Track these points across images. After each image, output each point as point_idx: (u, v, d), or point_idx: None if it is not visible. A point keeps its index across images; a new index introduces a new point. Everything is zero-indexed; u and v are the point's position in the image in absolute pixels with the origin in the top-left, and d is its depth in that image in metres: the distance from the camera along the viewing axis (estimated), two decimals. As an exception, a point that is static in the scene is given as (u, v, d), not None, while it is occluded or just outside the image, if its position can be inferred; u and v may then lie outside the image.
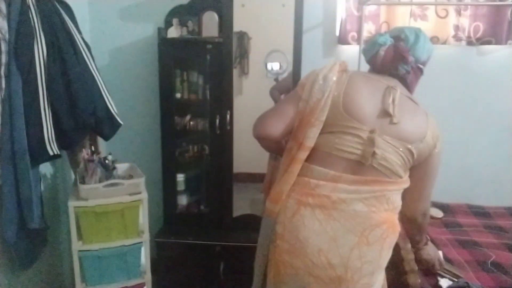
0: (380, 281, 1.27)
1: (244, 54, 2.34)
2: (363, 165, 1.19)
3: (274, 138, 1.27)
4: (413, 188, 1.28)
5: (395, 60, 1.29)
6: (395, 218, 1.23)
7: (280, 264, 1.23)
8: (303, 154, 1.22)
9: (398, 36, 1.31)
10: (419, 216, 1.38)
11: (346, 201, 1.17)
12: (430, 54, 1.36)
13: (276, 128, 1.26)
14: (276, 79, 2.30)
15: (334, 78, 1.26)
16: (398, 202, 1.25)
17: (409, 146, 1.21)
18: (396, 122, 1.20)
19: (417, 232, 1.47)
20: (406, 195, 1.28)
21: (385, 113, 1.21)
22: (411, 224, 1.42)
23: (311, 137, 1.21)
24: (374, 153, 1.17)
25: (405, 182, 1.26)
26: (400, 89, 1.27)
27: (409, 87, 1.35)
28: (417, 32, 1.31)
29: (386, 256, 1.22)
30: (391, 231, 1.19)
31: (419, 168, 1.28)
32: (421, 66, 1.34)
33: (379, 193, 1.18)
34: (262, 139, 1.30)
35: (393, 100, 1.22)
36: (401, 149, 1.21)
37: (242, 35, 2.30)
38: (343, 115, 1.21)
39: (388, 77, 1.32)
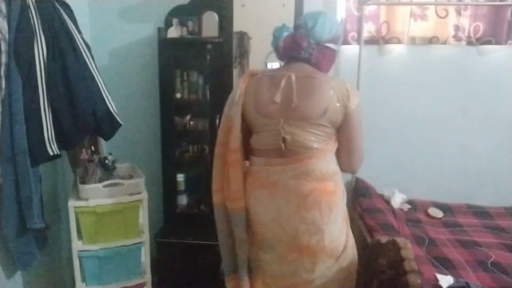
0: (342, 232, 1.49)
1: (244, 54, 2.34)
2: (283, 151, 1.41)
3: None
4: (343, 146, 1.47)
5: (293, 48, 1.44)
6: (327, 184, 1.42)
7: (253, 236, 1.51)
8: (234, 156, 1.46)
9: (298, 25, 1.47)
10: (356, 168, 1.55)
11: (280, 180, 1.41)
12: (336, 30, 1.48)
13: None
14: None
15: (239, 92, 1.46)
16: (326, 168, 1.42)
17: (316, 121, 1.38)
18: (295, 106, 1.38)
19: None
20: (339, 153, 1.48)
21: (286, 101, 1.39)
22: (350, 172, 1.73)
23: (233, 140, 1.45)
24: (284, 139, 1.39)
25: (326, 150, 1.43)
26: (298, 73, 1.42)
27: (318, 66, 1.47)
28: (316, 16, 1.44)
29: (330, 213, 1.42)
30: (323, 194, 1.41)
31: (342, 129, 1.44)
32: (327, 44, 1.46)
33: (303, 168, 1.39)
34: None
35: (289, 86, 1.39)
36: (309, 128, 1.39)
37: (242, 35, 2.30)
38: (257, 116, 1.45)
39: (294, 63, 1.46)
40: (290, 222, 1.41)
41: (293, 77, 1.40)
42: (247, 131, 1.51)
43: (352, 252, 1.54)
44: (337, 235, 1.47)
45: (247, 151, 1.54)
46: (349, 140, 1.45)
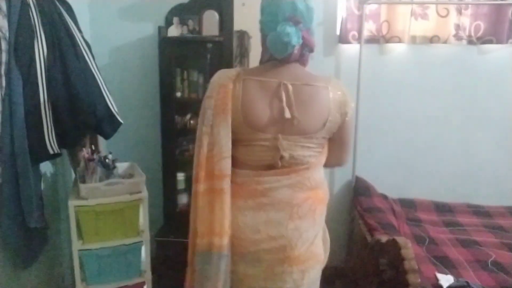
0: (319, 238, 1.41)
1: (244, 53, 2.33)
2: (277, 166, 1.29)
3: None
4: (335, 150, 1.40)
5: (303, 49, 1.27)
6: (318, 192, 1.35)
7: (233, 248, 1.32)
8: (219, 183, 1.30)
9: (295, 18, 1.23)
10: (345, 163, 1.50)
11: (271, 189, 1.29)
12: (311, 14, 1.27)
13: None
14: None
15: (225, 101, 1.26)
16: (319, 177, 1.36)
17: (315, 135, 1.29)
18: (296, 123, 1.24)
19: None
20: (329, 154, 1.39)
21: (281, 114, 1.24)
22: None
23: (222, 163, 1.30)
24: (281, 157, 1.27)
25: (321, 160, 1.36)
26: (294, 81, 1.25)
27: (303, 63, 1.31)
28: (306, 2, 1.25)
29: (321, 220, 1.39)
30: (317, 203, 1.34)
31: (336, 136, 1.36)
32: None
33: (298, 178, 1.30)
34: None
35: (288, 98, 1.24)
36: (307, 143, 1.29)
37: (243, 34, 2.30)
38: (246, 129, 1.27)
39: (285, 65, 1.27)
40: (281, 232, 1.30)
41: (290, 87, 1.24)
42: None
43: (325, 256, 1.48)
44: (322, 241, 1.44)
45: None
46: (343, 141, 1.40)
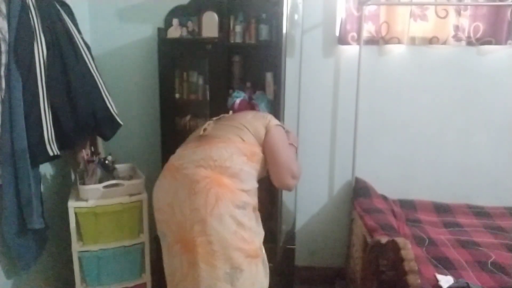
0: (239, 245, 1.41)
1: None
2: (202, 138, 1.57)
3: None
4: (271, 161, 1.60)
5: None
6: (221, 177, 1.45)
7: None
8: None
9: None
10: (288, 181, 1.64)
11: (183, 165, 1.48)
12: None
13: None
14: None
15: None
16: (227, 161, 1.47)
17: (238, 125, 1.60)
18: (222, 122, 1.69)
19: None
20: (269, 170, 1.62)
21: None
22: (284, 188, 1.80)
23: None
24: (204, 129, 1.60)
25: (237, 144, 1.53)
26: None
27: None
28: None
29: (215, 205, 1.40)
30: (215, 184, 1.42)
31: (266, 144, 1.60)
32: None
33: (207, 152, 1.48)
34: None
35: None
36: (233, 125, 1.60)
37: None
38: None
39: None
40: (181, 207, 1.42)
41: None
42: None
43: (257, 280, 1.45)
44: (228, 241, 1.39)
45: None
46: (275, 151, 1.63)
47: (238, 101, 2.07)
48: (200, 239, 1.38)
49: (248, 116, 1.69)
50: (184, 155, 1.54)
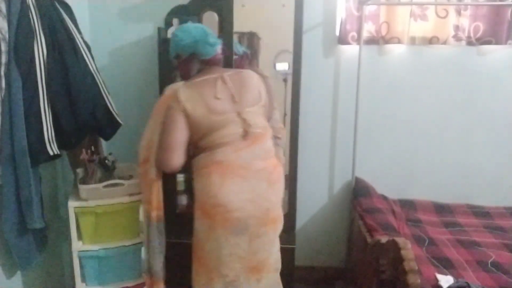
0: None
1: (254, 54, 2.31)
2: (246, 134, 1.59)
3: None
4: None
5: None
6: (276, 160, 1.69)
7: (225, 223, 1.60)
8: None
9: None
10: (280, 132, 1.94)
11: (250, 163, 1.58)
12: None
13: None
14: (285, 79, 2.29)
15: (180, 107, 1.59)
16: (272, 146, 1.68)
17: (260, 104, 1.65)
18: (238, 100, 1.60)
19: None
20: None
21: (231, 97, 1.60)
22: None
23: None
24: (249, 125, 1.59)
25: (270, 128, 1.70)
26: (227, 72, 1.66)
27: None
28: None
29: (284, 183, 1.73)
30: (279, 169, 1.68)
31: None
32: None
33: (261, 146, 1.61)
34: None
35: (226, 84, 1.61)
36: (258, 110, 1.64)
37: (252, 36, 2.27)
38: (209, 118, 1.57)
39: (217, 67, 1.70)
40: (264, 197, 1.59)
41: (226, 75, 1.63)
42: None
43: None
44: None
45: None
46: (272, 106, 1.90)
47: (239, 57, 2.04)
48: (280, 214, 1.69)
49: (260, 87, 1.70)
50: (241, 155, 1.59)
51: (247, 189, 1.57)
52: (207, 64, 1.68)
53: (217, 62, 1.71)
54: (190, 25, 1.77)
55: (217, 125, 1.58)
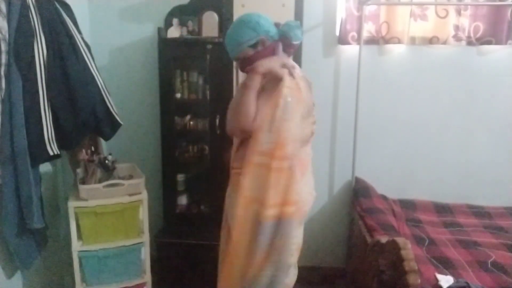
0: None
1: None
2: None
3: None
4: None
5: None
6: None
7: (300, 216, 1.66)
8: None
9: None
10: None
11: (304, 159, 1.64)
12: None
13: None
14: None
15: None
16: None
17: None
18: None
19: None
20: None
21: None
22: None
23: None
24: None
25: None
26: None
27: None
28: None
29: None
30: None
31: None
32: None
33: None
34: None
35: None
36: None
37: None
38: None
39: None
40: (311, 190, 1.70)
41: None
42: None
43: None
44: None
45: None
46: None
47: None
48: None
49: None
50: (304, 150, 1.65)
51: (306, 183, 1.66)
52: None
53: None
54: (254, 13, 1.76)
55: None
